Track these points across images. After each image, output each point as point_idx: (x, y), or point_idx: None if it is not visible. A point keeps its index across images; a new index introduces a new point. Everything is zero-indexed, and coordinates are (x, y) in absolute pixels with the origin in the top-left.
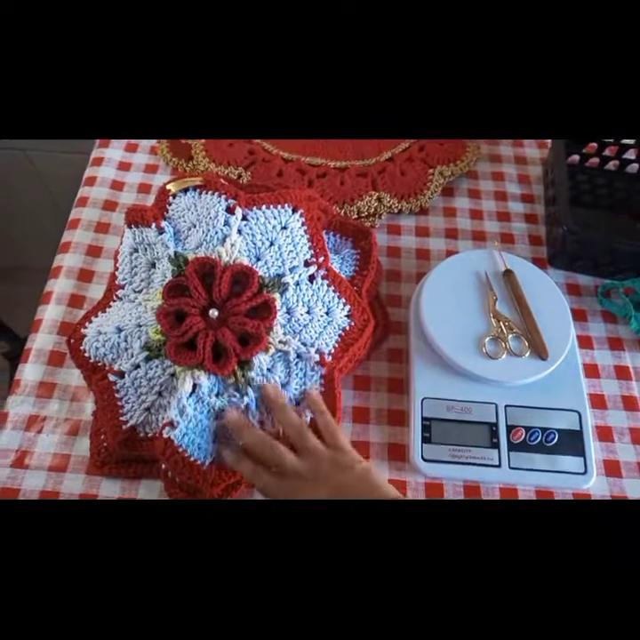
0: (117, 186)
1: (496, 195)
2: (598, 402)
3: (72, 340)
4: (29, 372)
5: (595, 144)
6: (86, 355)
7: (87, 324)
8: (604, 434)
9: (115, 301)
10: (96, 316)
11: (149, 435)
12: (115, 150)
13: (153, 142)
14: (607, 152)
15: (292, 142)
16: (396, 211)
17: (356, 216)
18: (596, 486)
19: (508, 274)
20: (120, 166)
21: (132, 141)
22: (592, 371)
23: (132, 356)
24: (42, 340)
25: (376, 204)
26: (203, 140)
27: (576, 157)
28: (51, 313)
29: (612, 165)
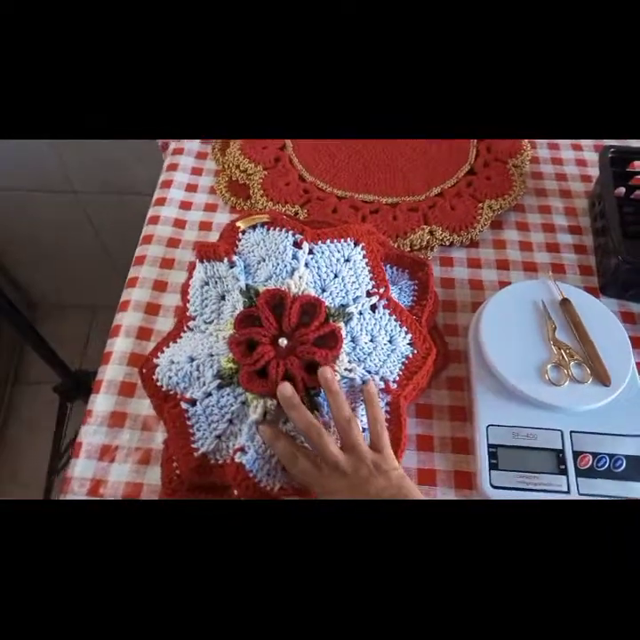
0: (180, 224)
1: (544, 227)
2: None
3: (144, 370)
4: (101, 403)
5: None
6: (159, 384)
7: (159, 354)
8: None
9: (185, 332)
10: (167, 347)
11: (220, 462)
12: (176, 190)
13: (211, 182)
14: None
15: (344, 180)
16: (447, 243)
17: (409, 249)
18: None
19: (564, 302)
20: (182, 205)
21: (193, 182)
22: None
23: (204, 384)
24: (112, 372)
25: (428, 237)
26: (260, 180)
27: (622, 190)
28: (120, 345)
29: None
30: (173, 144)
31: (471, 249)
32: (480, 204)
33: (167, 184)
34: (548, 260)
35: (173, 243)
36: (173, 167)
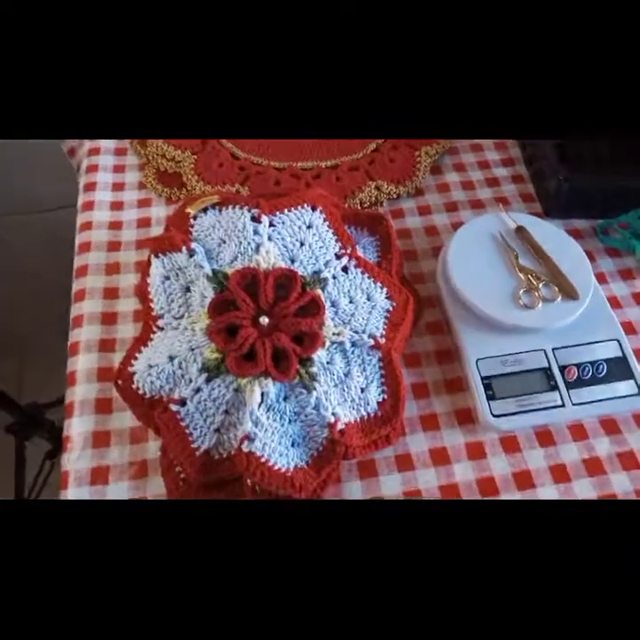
0: (116, 225)
1: (479, 165)
2: (629, 328)
3: (120, 382)
4: (78, 426)
5: None
6: (140, 392)
7: (132, 361)
8: None
9: (156, 333)
10: (139, 352)
11: (225, 455)
12: (103, 192)
13: (138, 178)
14: None
15: (279, 151)
16: (394, 196)
17: (358, 207)
18: None
19: (520, 230)
20: (112, 206)
21: (117, 180)
22: (614, 302)
23: (191, 380)
24: (83, 391)
25: (376, 193)
26: (191, 166)
27: None
28: (83, 362)
29: None
30: (88, 144)
31: (418, 197)
32: (417, 152)
33: (91, 187)
34: (491, 194)
35: (114, 246)
36: (93, 168)
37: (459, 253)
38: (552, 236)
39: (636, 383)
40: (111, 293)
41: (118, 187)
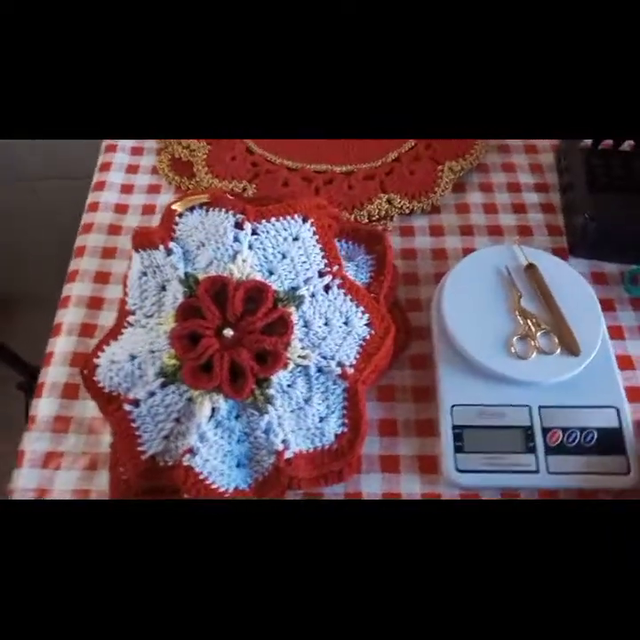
0: (121, 209)
1: (509, 186)
2: (636, 395)
3: (85, 371)
4: (44, 407)
5: None
6: (100, 385)
7: (99, 353)
8: None
9: (126, 328)
10: (108, 345)
11: (170, 463)
12: (116, 173)
13: (154, 162)
14: None
15: (296, 150)
16: (407, 211)
17: (366, 220)
18: None
19: (530, 268)
20: (122, 189)
21: (134, 162)
22: (626, 362)
23: (147, 383)
24: (55, 373)
25: (386, 207)
26: (205, 156)
27: (588, 141)
28: (62, 345)
29: (627, 146)
30: None
31: (433, 216)
32: (440, 167)
33: (106, 167)
34: (514, 222)
35: (114, 230)
36: (112, 148)
37: (457, 285)
38: (566, 278)
39: (627, 461)
40: (102, 278)
41: (132, 169)
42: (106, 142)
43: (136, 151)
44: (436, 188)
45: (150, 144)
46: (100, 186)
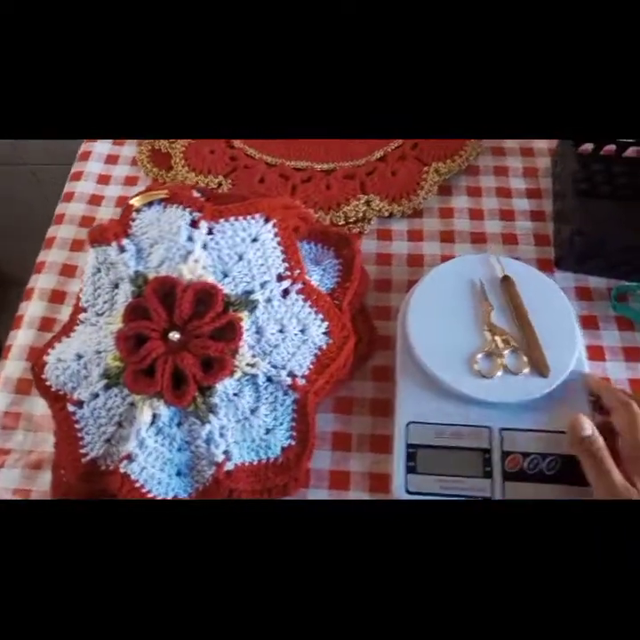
0: (96, 200)
1: (498, 191)
2: None
3: (36, 368)
4: None
5: None
6: (48, 383)
7: (50, 350)
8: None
9: (78, 325)
10: (59, 342)
11: (111, 468)
12: (95, 163)
13: (134, 153)
14: None
15: (277, 145)
16: (386, 214)
17: (343, 222)
18: None
19: (505, 280)
20: (99, 180)
21: (114, 153)
22: None
23: (91, 384)
24: (10, 367)
25: (365, 208)
26: (183, 148)
27: (589, 145)
28: (21, 338)
29: (633, 152)
30: None
31: (414, 219)
32: (425, 168)
33: (85, 156)
34: (500, 229)
35: (87, 221)
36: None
37: (426, 294)
38: (544, 292)
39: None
40: (68, 271)
41: (112, 159)
42: None
43: (117, 141)
44: (418, 190)
45: None
46: (78, 176)
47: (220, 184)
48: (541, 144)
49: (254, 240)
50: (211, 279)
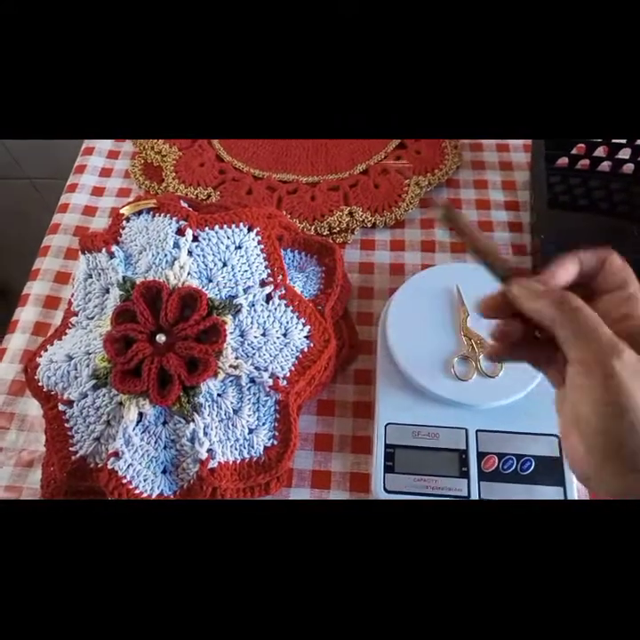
0: (90, 211)
1: (477, 204)
2: None
3: (28, 370)
4: None
5: (583, 145)
6: (40, 384)
7: (42, 352)
8: None
9: (70, 328)
10: (51, 345)
11: (99, 465)
12: (90, 176)
13: (127, 166)
14: (599, 152)
15: (264, 159)
16: (369, 225)
17: (327, 232)
18: None
19: None
20: (94, 191)
21: (108, 166)
22: None
23: (81, 384)
24: (4, 370)
25: (348, 219)
26: (174, 161)
27: (565, 160)
28: (15, 342)
29: (607, 166)
30: None
31: (396, 230)
32: (407, 181)
33: (81, 169)
34: None
35: (81, 231)
36: (89, 151)
37: (405, 300)
38: None
39: (565, 491)
40: (62, 278)
41: (106, 172)
42: (84, 145)
43: (112, 154)
44: (400, 202)
45: (126, 148)
46: (73, 188)
47: (209, 195)
48: (520, 158)
49: (238, 247)
50: (195, 284)
